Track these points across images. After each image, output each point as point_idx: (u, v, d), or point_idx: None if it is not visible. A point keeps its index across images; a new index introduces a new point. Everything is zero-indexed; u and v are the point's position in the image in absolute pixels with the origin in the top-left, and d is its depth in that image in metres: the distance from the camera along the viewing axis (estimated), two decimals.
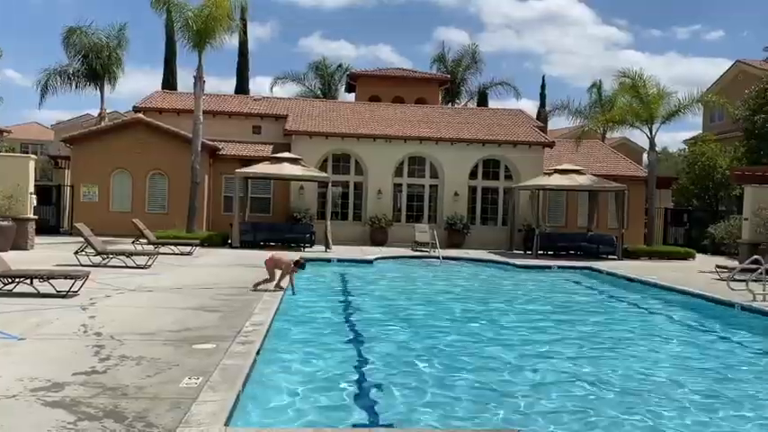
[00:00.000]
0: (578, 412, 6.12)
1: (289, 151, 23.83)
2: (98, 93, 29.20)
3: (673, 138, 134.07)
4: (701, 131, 38.72)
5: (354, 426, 5.57)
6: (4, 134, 30.21)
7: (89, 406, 5.03)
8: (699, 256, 23.54)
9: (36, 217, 17.87)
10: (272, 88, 41.57)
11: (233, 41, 33.09)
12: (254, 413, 5.58)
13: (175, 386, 5.62)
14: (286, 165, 21.75)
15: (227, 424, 4.84)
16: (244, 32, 34.49)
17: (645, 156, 36.53)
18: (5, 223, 16.23)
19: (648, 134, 24.04)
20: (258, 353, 7.10)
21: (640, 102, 23.47)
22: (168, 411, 4.97)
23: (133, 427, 4.63)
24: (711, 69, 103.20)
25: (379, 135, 25.54)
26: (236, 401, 5.37)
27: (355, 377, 7.09)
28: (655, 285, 15.33)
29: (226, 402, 5.22)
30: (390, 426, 5.59)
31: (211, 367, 6.22)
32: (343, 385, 6.69)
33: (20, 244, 16.70)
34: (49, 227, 22.71)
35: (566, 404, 6.38)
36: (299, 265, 11.99)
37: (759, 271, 13.31)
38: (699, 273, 18.00)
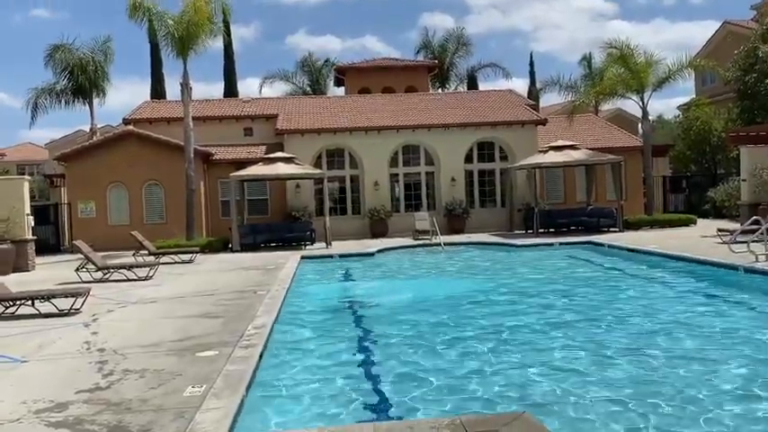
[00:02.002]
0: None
1: (282, 150, 23.77)
2: (87, 108, 29.14)
3: (667, 104, 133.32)
4: (694, 96, 38.54)
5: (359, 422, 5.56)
6: None
7: (93, 423, 5.03)
8: (700, 222, 23.50)
9: (35, 237, 17.84)
10: (260, 89, 41.39)
11: (217, 45, 33.01)
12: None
13: (179, 396, 5.62)
14: (280, 164, 21.70)
15: (231, 429, 4.84)
16: (227, 35, 34.30)
17: (640, 125, 36.38)
18: (4, 246, 16.22)
19: (640, 103, 23.96)
20: (261, 356, 7.10)
21: (629, 71, 23.36)
22: (172, 422, 4.97)
23: None
24: (699, 33, 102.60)
25: (371, 127, 25.45)
26: (239, 406, 5.37)
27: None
28: (657, 254, 15.30)
29: (229, 408, 5.22)
30: (400, 419, 5.57)
31: (214, 374, 6.21)
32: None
33: (21, 266, 16.69)
34: (49, 246, 22.70)
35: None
36: None
37: (759, 231, 13.27)
38: (701, 238, 17.95)
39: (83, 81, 27.89)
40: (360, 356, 7.82)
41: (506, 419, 4.73)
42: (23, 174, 37.54)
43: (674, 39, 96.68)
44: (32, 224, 17.79)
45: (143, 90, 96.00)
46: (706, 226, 21.49)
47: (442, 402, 5.94)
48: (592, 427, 5.27)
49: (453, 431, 4.61)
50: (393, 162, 25.86)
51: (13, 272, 16.20)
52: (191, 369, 6.50)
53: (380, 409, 5.91)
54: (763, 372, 6.50)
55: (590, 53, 37.71)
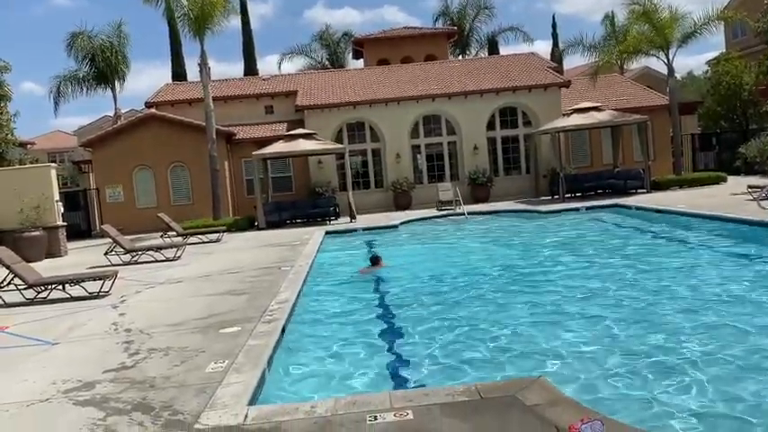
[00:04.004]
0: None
1: (302, 127, 23.79)
2: (111, 94, 29.45)
3: (698, 60, 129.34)
4: (723, 51, 37.32)
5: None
6: (28, 146, 30.82)
7: (118, 401, 5.17)
8: (731, 179, 22.95)
9: (65, 223, 18.25)
10: (279, 65, 41.33)
11: (235, 24, 32.98)
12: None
13: (201, 372, 5.73)
14: (301, 141, 21.73)
15: (251, 403, 4.93)
16: (244, 12, 34.23)
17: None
18: (36, 233, 16.63)
19: (666, 60, 23.30)
20: (283, 330, 7.19)
21: (653, 28, 22.68)
22: (194, 397, 5.08)
23: (160, 417, 4.74)
24: None
25: (391, 98, 25.27)
26: (260, 380, 5.46)
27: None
28: (683, 214, 15.01)
29: (249, 383, 5.31)
30: (422, 386, 5.60)
31: (237, 349, 6.32)
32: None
33: (53, 251, 17.13)
34: (80, 231, 23.25)
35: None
36: (374, 261, 11.90)
37: None
38: (731, 195, 17.55)
39: (103, 67, 28.16)
40: (378, 324, 7.91)
41: (522, 384, 4.74)
42: (54, 161, 38.25)
43: None
44: (62, 210, 18.19)
45: (166, 73, 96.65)
46: (737, 183, 20.98)
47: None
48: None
49: (469, 397, 4.64)
50: (414, 133, 25.69)
51: (46, 258, 16.64)
52: (214, 346, 6.61)
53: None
54: None
55: (612, 12, 36.71)
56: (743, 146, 24.62)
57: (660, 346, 6.18)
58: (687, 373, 5.41)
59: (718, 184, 22.24)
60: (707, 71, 39.63)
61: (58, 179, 19.66)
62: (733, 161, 25.73)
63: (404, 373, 6.08)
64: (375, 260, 11.82)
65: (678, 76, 25.73)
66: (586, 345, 6.40)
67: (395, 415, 4.36)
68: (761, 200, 13.46)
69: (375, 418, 4.34)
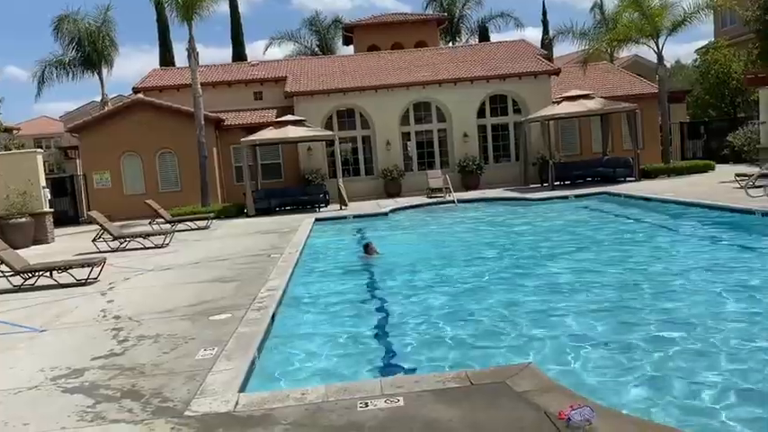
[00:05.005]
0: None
1: (292, 113, 23.64)
2: (97, 79, 29.12)
3: (687, 49, 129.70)
4: (713, 39, 37.42)
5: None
6: (14, 131, 30.48)
7: (107, 388, 5.15)
8: (719, 167, 23.09)
9: (52, 210, 18.07)
10: (265, 50, 41.03)
11: (224, 9, 32.59)
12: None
13: (191, 359, 5.71)
14: (290, 128, 21.60)
15: (241, 390, 4.92)
16: None
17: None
18: (23, 220, 16.46)
19: (655, 48, 23.32)
20: (273, 317, 7.18)
21: (643, 15, 22.68)
22: (184, 384, 5.06)
23: (150, 404, 4.72)
24: None
25: (381, 85, 25.14)
26: (250, 367, 5.45)
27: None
28: (671, 202, 15.11)
29: (240, 369, 5.30)
30: (412, 371, 5.61)
31: (226, 336, 6.30)
32: None
33: (40, 238, 16.97)
34: (68, 218, 23.01)
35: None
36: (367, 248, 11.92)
37: None
38: (718, 184, 17.67)
39: (90, 51, 27.80)
40: (369, 308, 7.93)
41: (512, 371, 4.77)
42: (40, 147, 37.85)
43: None
44: (49, 197, 18.00)
45: (153, 58, 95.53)
46: (724, 172, 21.09)
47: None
48: None
49: (459, 384, 4.66)
50: (404, 120, 25.61)
51: (33, 244, 16.49)
52: (203, 333, 6.59)
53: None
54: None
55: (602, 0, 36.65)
56: (731, 134, 24.78)
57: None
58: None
59: (706, 172, 22.38)
60: (696, 60, 39.75)
61: (44, 165, 19.44)
62: (721, 150, 25.89)
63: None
64: (366, 247, 11.83)
65: (667, 64, 25.75)
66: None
67: (385, 401, 4.38)
68: (748, 188, 13.56)
69: (366, 405, 4.34)
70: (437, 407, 4.23)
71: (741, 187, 15.16)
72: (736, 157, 24.22)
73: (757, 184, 13.69)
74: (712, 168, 22.71)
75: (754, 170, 17.22)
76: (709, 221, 12.58)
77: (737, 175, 16.69)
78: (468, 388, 4.52)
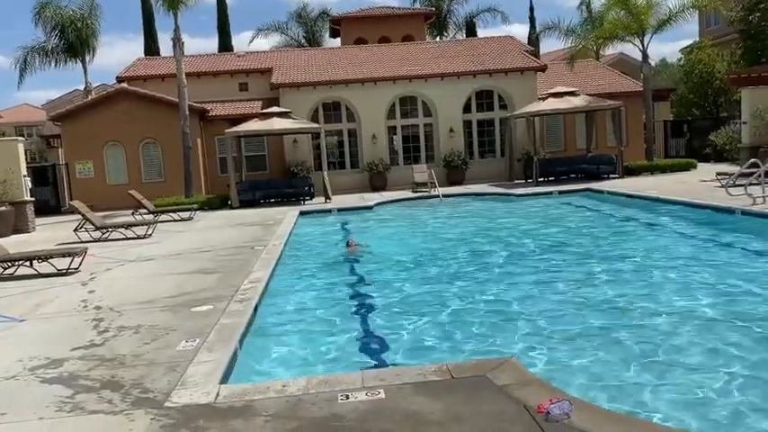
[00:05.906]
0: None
1: (277, 105, 23.52)
2: (80, 67, 28.73)
3: (672, 48, 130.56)
4: (697, 39, 37.76)
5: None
6: None
7: (87, 378, 5.11)
8: (701, 166, 23.34)
9: (33, 199, 17.84)
10: (251, 41, 40.78)
11: None
12: None
13: (172, 350, 5.69)
14: (275, 119, 21.49)
15: (222, 382, 4.91)
16: None
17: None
18: (2, 208, 16.23)
19: (641, 47, 23.46)
20: (256, 309, 7.16)
21: (629, 13, 22.81)
22: (164, 376, 5.04)
23: (130, 395, 4.70)
24: None
25: (367, 78, 25.07)
26: (232, 359, 5.44)
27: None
28: (656, 200, 15.25)
29: (221, 361, 5.29)
30: (395, 365, 5.63)
31: (208, 328, 6.28)
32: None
33: (20, 227, 16.75)
34: (49, 207, 22.74)
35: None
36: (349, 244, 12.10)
37: (756, 174, 13.17)
38: (700, 182, 17.86)
39: (73, 39, 27.42)
40: (350, 297, 7.99)
41: (493, 365, 4.80)
42: (22, 135, 37.36)
43: None
44: (30, 186, 17.77)
45: (138, 47, 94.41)
46: (706, 170, 21.33)
47: None
48: None
49: (440, 377, 4.69)
50: (390, 114, 25.57)
51: (13, 233, 16.27)
52: (185, 324, 6.56)
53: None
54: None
55: None
56: (713, 133, 25.05)
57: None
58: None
59: (688, 170, 22.60)
60: (680, 59, 40.09)
61: (26, 154, 19.18)
62: (703, 148, 26.16)
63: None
64: (348, 244, 11.92)
65: (652, 63, 25.95)
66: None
67: (366, 394, 4.39)
68: (729, 187, 13.72)
69: (347, 397, 4.36)
70: (418, 399, 4.26)
71: (722, 186, 15.34)
72: (718, 155, 24.50)
73: (737, 183, 13.85)
74: (694, 167, 22.95)
75: (735, 169, 17.45)
76: (690, 219, 12.73)
77: (718, 173, 16.88)
78: (450, 381, 4.55)
